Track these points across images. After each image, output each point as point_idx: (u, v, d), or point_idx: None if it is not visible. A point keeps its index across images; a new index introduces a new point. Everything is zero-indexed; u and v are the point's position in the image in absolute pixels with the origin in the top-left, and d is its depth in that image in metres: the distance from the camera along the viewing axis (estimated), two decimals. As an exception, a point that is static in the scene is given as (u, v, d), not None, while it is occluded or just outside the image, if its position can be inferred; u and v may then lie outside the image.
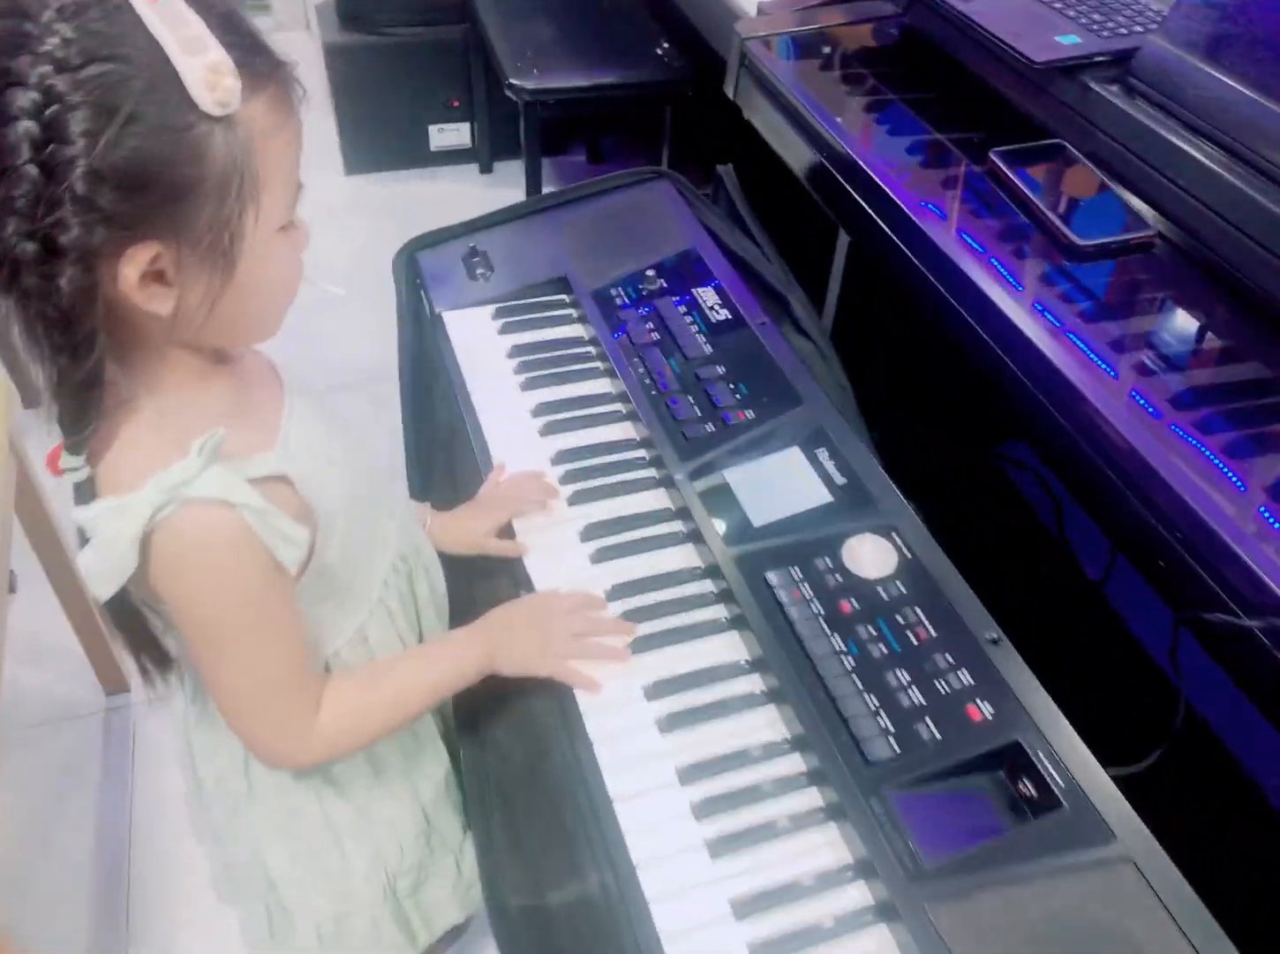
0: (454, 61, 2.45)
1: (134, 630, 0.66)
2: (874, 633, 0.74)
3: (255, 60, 0.55)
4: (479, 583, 0.88)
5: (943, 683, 0.71)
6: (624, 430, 0.96)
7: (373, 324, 1.44)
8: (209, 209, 0.53)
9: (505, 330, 1.07)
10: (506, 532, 0.88)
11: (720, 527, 0.83)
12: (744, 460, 0.88)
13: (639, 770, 0.71)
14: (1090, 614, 1.39)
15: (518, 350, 1.04)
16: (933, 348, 1.41)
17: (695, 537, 0.85)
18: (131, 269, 0.53)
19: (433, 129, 2.61)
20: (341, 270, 2.07)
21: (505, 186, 2.63)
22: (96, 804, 1.33)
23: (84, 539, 0.58)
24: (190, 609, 0.60)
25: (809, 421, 0.90)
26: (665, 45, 1.88)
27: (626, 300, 1.06)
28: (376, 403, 1.76)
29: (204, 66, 0.51)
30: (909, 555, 0.79)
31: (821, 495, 0.84)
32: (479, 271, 1.13)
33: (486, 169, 2.68)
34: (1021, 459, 1.65)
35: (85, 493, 0.58)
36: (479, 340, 1.06)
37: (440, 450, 1.04)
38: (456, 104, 2.55)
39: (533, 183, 1.97)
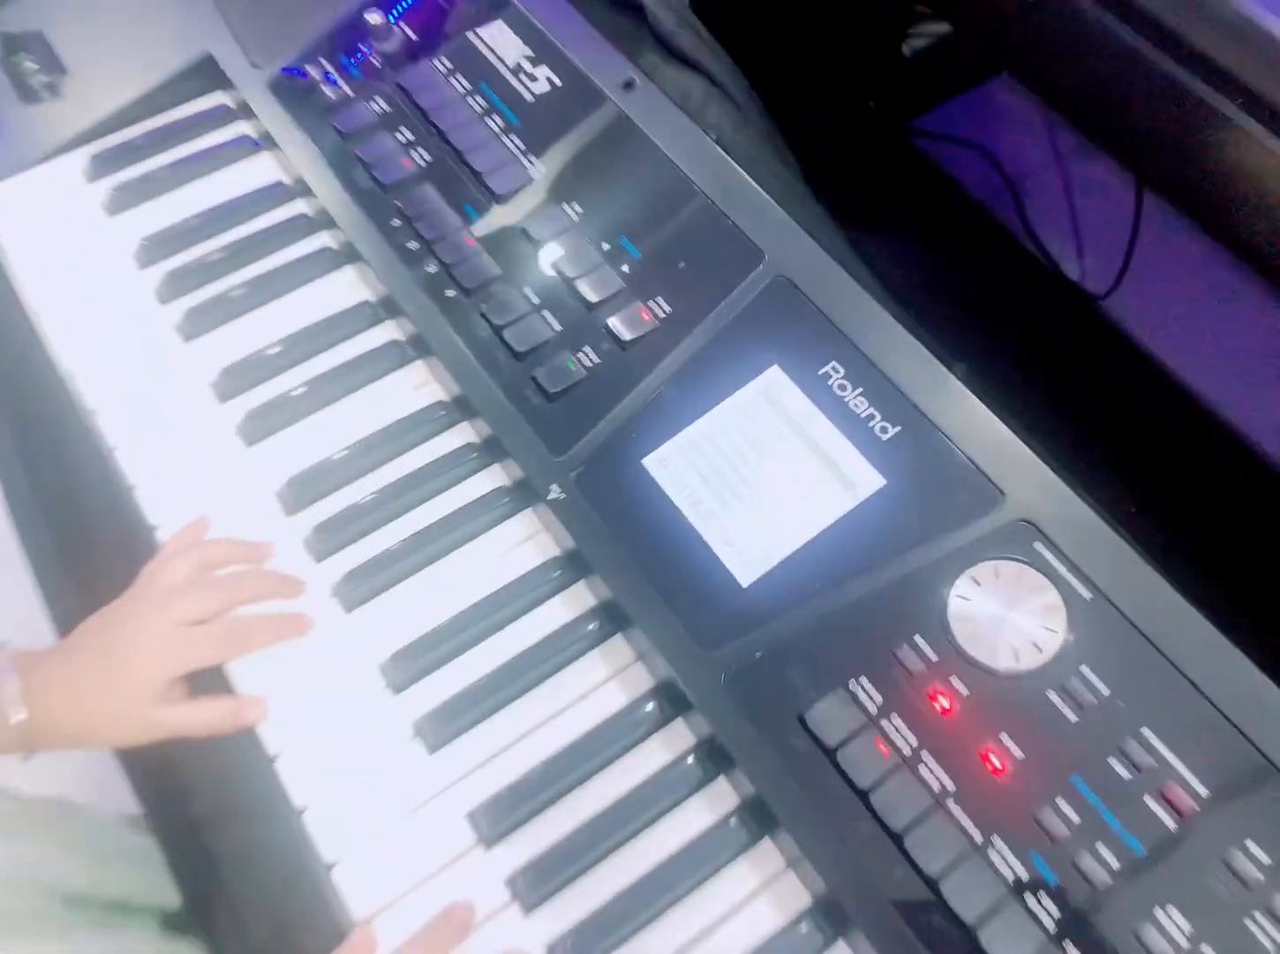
0: None
1: None
2: (1095, 829, 0.33)
3: None
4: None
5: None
6: (413, 392, 0.47)
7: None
8: None
9: (118, 206, 0.52)
10: (196, 687, 0.41)
11: (668, 603, 0.38)
12: (677, 426, 0.42)
13: None
14: (1096, 340, 0.99)
15: (153, 247, 0.50)
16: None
17: (620, 622, 0.40)
18: None
19: None
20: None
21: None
22: None
23: None
24: None
25: (789, 300, 0.43)
26: None
27: (348, 89, 0.52)
28: None
29: None
30: (1089, 592, 0.36)
31: (865, 480, 0.39)
32: (36, 79, 0.56)
33: None
34: (950, 133, 1.16)
35: None
36: (70, 238, 0.51)
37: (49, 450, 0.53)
38: None
39: None
